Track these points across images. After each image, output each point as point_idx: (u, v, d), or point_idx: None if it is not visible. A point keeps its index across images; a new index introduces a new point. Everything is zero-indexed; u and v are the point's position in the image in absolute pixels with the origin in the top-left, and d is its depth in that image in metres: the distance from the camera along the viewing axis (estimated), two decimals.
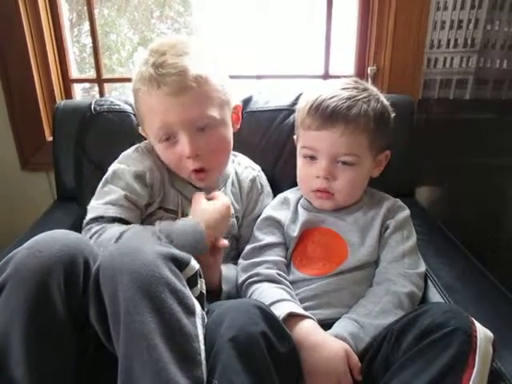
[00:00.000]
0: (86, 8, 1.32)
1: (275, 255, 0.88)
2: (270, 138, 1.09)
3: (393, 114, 0.91)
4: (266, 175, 1.05)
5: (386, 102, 0.89)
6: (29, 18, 1.27)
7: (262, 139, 1.09)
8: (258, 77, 1.47)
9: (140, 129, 0.92)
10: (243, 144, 1.03)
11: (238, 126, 0.94)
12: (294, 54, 1.60)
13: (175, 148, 0.83)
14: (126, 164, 0.87)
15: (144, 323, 0.57)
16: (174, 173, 0.89)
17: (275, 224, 0.92)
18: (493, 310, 0.77)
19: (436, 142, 1.36)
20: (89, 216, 0.81)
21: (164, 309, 0.58)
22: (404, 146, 1.15)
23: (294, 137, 0.96)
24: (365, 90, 0.87)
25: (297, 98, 1.08)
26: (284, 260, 0.88)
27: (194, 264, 0.67)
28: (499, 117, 1.38)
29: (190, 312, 0.61)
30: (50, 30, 1.33)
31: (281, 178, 1.08)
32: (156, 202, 0.88)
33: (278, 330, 0.64)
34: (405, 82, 1.31)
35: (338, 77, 1.35)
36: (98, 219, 0.80)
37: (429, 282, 0.86)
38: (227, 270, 0.88)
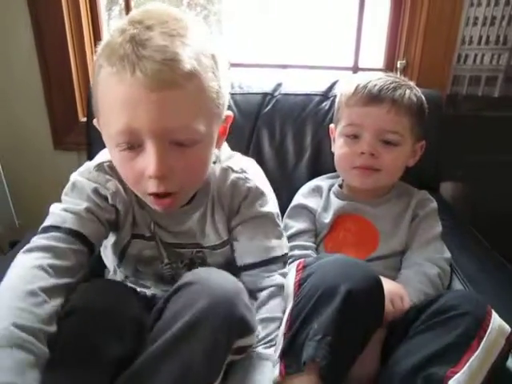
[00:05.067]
0: None
1: (306, 241, 0.91)
2: (304, 122, 1.12)
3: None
4: (298, 158, 1.08)
5: (423, 95, 0.92)
6: (68, 2, 1.29)
7: (295, 122, 1.12)
8: (284, 66, 1.47)
9: (94, 120, 0.71)
10: (276, 125, 1.06)
11: (223, 142, 0.78)
12: (322, 45, 1.61)
13: (136, 161, 0.63)
14: (86, 178, 0.73)
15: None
16: None
17: (305, 211, 0.95)
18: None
19: (463, 138, 1.37)
20: (46, 222, 0.70)
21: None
22: (431, 141, 1.16)
23: (331, 125, 0.98)
24: (405, 80, 0.91)
25: (332, 85, 1.13)
26: (314, 246, 0.91)
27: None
28: None
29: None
30: (86, 11, 1.35)
31: (314, 161, 1.11)
32: (126, 229, 0.77)
33: None
34: (434, 76, 1.31)
35: (368, 69, 1.39)
36: (55, 228, 0.68)
37: (452, 273, 0.88)
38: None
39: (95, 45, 1.39)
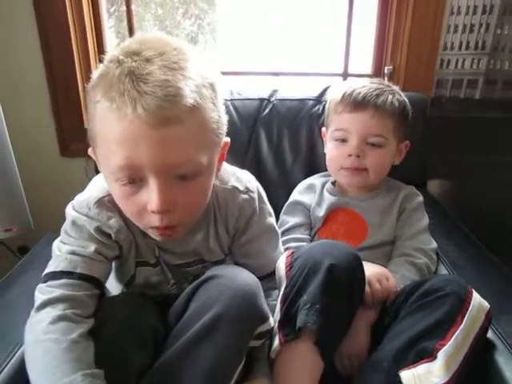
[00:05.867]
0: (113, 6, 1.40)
1: (301, 234, 0.99)
2: (299, 124, 1.20)
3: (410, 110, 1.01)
4: (294, 158, 1.16)
5: (406, 99, 1.00)
6: (73, 13, 1.36)
7: (290, 124, 1.20)
8: (277, 73, 1.55)
9: (90, 150, 0.69)
10: (273, 128, 1.14)
11: (221, 168, 0.75)
12: (314, 53, 1.69)
13: (138, 196, 0.62)
14: (85, 215, 0.70)
15: None
16: None
17: (301, 207, 1.03)
18: (493, 284, 0.87)
19: (447, 139, 1.45)
20: (55, 266, 0.68)
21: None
22: (417, 141, 1.25)
23: (323, 129, 1.06)
24: (389, 86, 0.98)
25: (324, 90, 1.22)
26: (309, 238, 0.99)
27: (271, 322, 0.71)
28: (508, 115, 1.47)
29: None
30: (91, 23, 1.43)
31: (309, 160, 1.20)
32: (130, 261, 0.76)
33: None
34: (419, 80, 1.40)
35: (357, 75, 1.47)
36: (67, 275, 0.66)
37: (438, 260, 0.96)
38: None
39: (99, 53, 1.46)
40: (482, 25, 1.37)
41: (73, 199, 0.74)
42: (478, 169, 1.51)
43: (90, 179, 0.85)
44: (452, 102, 1.46)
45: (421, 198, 1.02)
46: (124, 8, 1.49)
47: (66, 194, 0.79)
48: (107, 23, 1.53)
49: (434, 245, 0.96)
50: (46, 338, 0.59)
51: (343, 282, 0.71)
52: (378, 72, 1.48)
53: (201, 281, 0.69)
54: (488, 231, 1.24)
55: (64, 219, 0.73)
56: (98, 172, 0.82)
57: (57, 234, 0.74)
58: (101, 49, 1.47)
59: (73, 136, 1.48)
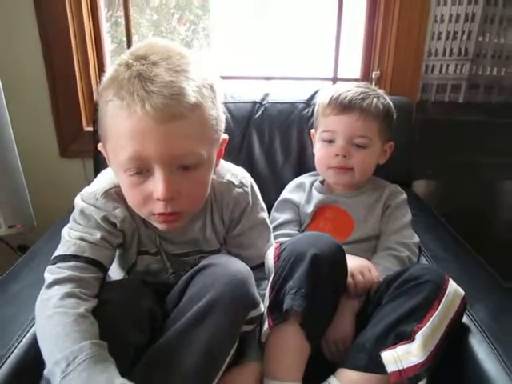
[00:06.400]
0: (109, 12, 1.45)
1: (290, 230, 1.04)
2: (289, 126, 1.26)
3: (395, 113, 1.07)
4: (285, 158, 1.22)
5: (391, 102, 1.06)
6: (73, 16, 1.42)
7: (281, 126, 1.27)
8: (269, 78, 1.62)
9: (100, 145, 0.75)
10: (264, 129, 1.21)
11: (219, 163, 0.82)
12: (304, 58, 1.75)
13: (144, 185, 0.68)
14: (93, 205, 0.76)
15: None
16: None
17: (291, 204, 1.08)
18: (470, 275, 0.93)
19: (432, 141, 1.52)
20: (64, 250, 0.73)
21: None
22: (403, 143, 1.30)
23: (312, 130, 1.12)
24: (373, 89, 1.04)
25: (313, 94, 1.28)
26: (298, 233, 1.04)
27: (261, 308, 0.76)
28: (489, 119, 1.54)
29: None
30: (90, 27, 1.48)
31: (299, 160, 1.27)
32: (133, 249, 0.82)
33: None
34: (405, 85, 1.47)
35: (346, 79, 1.53)
36: (75, 258, 0.71)
37: (420, 253, 1.02)
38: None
39: (98, 58, 1.52)
40: (464, 32, 1.44)
41: (73, 197, 0.79)
42: (461, 169, 1.58)
43: (88, 179, 0.89)
44: (437, 105, 1.52)
45: (404, 196, 1.07)
46: (119, 13, 1.54)
47: (65, 193, 0.84)
48: (105, 26, 1.58)
49: (417, 239, 1.01)
50: (56, 311, 0.64)
51: (326, 269, 0.76)
52: (366, 76, 1.54)
53: (197, 269, 0.74)
54: (471, 230, 1.30)
55: (63, 217, 0.79)
56: (96, 172, 0.92)
57: (59, 231, 0.78)
58: (99, 53, 1.52)
59: (72, 137, 1.53)
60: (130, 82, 0.63)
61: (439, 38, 1.44)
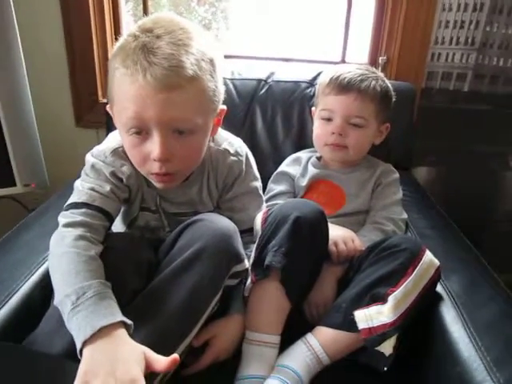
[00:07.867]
0: None
1: (284, 200, 1.09)
2: (292, 104, 1.31)
3: (394, 95, 1.10)
4: (285, 134, 1.28)
5: (390, 85, 1.10)
6: None
7: (284, 104, 1.32)
8: (279, 59, 1.64)
9: (108, 106, 0.81)
10: (268, 106, 1.27)
11: (217, 131, 0.89)
12: (314, 42, 1.79)
13: (143, 146, 0.75)
14: (103, 162, 0.83)
15: None
16: None
17: (287, 177, 1.14)
18: (453, 251, 0.98)
19: (435, 128, 1.55)
20: (74, 199, 0.80)
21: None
22: (404, 128, 1.35)
23: (312, 108, 1.17)
24: (374, 72, 1.08)
25: (317, 75, 1.32)
26: None
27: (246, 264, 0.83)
28: (494, 108, 1.57)
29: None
30: (109, 3, 1.54)
31: (299, 136, 1.32)
32: (136, 204, 0.89)
33: None
34: (411, 71, 1.49)
35: (354, 64, 1.56)
36: (86, 206, 0.78)
37: (407, 230, 1.07)
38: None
39: (115, 34, 1.58)
40: (472, 22, 1.46)
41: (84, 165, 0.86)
42: (462, 157, 1.61)
43: None
44: (442, 93, 1.55)
45: (397, 175, 1.12)
46: None
47: (77, 161, 0.91)
48: (125, 7, 1.64)
49: (405, 216, 1.06)
50: (69, 250, 0.71)
51: (307, 231, 0.81)
52: (373, 62, 1.57)
53: (187, 223, 0.81)
54: (468, 217, 1.34)
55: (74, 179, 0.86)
56: None
57: (70, 190, 0.84)
58: (117, 28, 1.58)
59: (87, 108, 1.60)
60: (134, 53, 0.70)
61: (446, 27, 1.46)
